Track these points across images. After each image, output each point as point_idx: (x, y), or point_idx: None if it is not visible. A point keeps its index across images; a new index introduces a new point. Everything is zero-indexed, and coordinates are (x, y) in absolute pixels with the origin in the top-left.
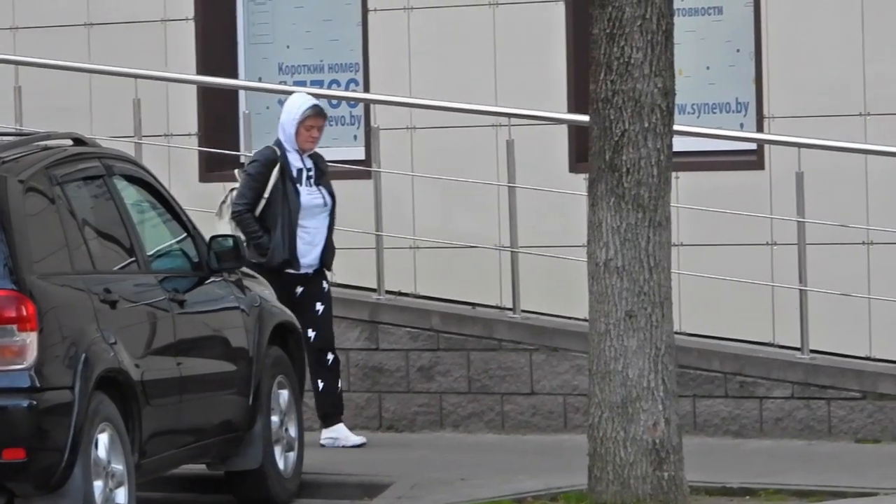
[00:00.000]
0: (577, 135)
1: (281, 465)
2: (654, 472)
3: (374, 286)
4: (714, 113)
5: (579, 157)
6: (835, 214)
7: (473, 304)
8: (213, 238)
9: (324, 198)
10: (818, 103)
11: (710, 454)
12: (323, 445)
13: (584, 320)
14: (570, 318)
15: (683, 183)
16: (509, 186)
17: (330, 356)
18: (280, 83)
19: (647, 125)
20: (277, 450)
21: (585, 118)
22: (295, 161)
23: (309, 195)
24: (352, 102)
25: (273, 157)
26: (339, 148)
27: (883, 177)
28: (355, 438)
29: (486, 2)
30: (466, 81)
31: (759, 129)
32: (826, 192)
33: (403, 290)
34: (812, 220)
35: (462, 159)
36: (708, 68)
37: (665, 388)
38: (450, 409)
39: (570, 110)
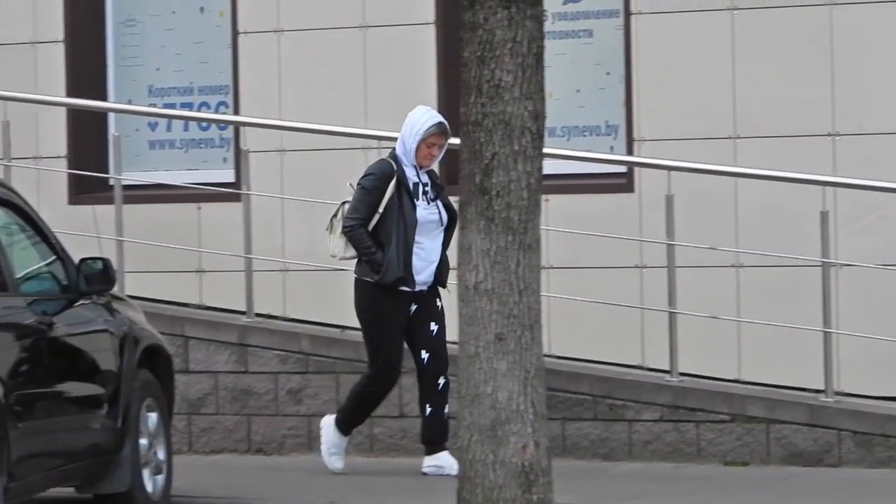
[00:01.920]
0: (448, 158)
1: (149, 487)
2: (524, 495)
3: (244, 309)
4: (584, 136)
5: (450, 179)
6: (704, 237)
7: (343, 327)
8: (83, 261)
9: (440, 214)
10: (688, 126)
11: (579, 477)
12: (425, 474)
13: (454, 343)
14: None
15: (553, 205)
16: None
17: (442, 380)
18: (150, 105)
19: (517, 148)
20: (146, 472)
21: (456, 141)
22: (412, 175)
23: (425, 211)
24: (222, 125)
25: (389, 171)
26: (208, 171)
27: (752, 200)
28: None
29: (357, 24)
30: (336, 104)
31: (629, 151)
32: (696, 214)
33: (273, 313)
34: (682, 243)
35: (332, 182)
36: (578, 91)
37: (534, 410)
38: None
39: None
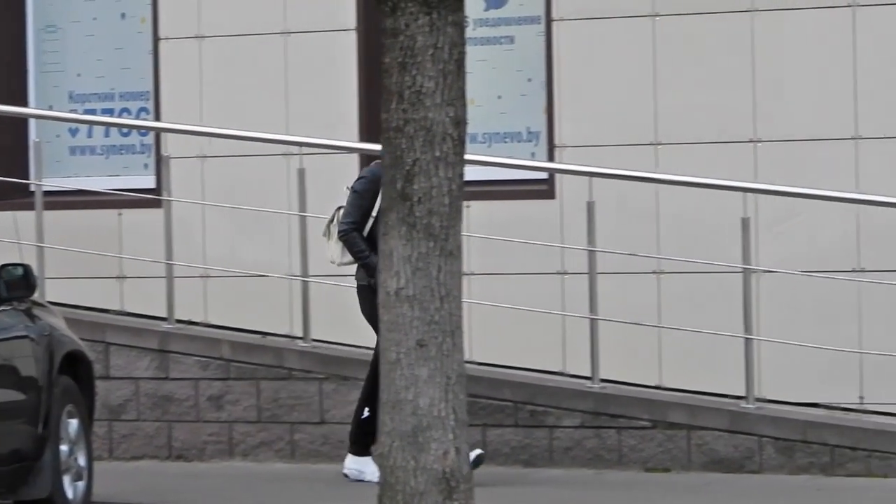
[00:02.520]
0: (368, 164)
1: (70, 494)
2: (445, 502)
3: (165, 315)
4: (505, 142)
5: None
6: (626, 243)
7: (264, 333)
8: (3, 267)
9: None
10: (609, 132)
11: (500, 484)
12: (346, 476)
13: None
14: (360, 346)
15: (475, 212)
16: (300, 215)
17: None
18: (71, 111)
19: (438, 154)
20: (66, 479)
21: (377, 147)
22: None
23: None
24: (142, 131)
25: (381, 174)
26: (129, 177)
27: (673, 206)
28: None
29: (278, 31)
30: (258, 110)
31: (551, 158)
32: (617, 221)
33: (194, 319)
34: (603, 250)
35: (253, 188)
36: (499, 98)
37: (456, 417)
38: (239, 439)
39: (362, 139)
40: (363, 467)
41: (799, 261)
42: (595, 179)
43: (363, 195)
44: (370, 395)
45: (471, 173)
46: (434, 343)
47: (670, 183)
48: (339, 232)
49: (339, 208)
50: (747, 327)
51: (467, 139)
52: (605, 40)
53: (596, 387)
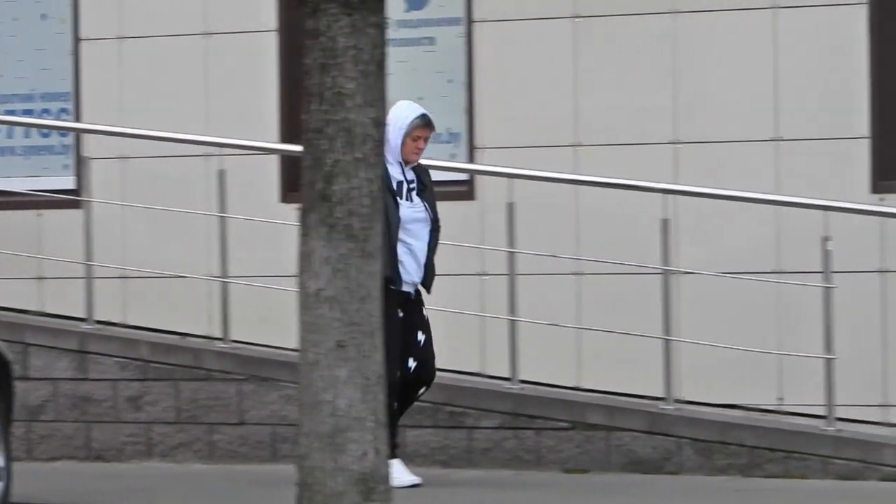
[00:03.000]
0: (289, 165)
1: None
2: (363, 503)
3: (84, 316)
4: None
5: (290, 187)
6: (546, 245)
7: (183, 334)
8: None
9: (426, 212)
10: (530, 134)
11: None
12: None
13: (295, 350)
14: (280, 348)
15: None
16: (220, 216)
17: (422, 390)
18: None
19: (358, 155)
20: None
21: (297, 148)
22: (396, 173)
23: (410, 209)
24: (63, 132)
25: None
26: (49, 177)
27: (594, 207)
28: (409, 479)
29: (199, 31)
30: (178, 111)
31: (471, 159)
32: (537, 222)
33: (113, 320)
34: (523, 251)
35: (174, 189)
36: (420, 99)
37: (375, 418)
38: (158, 439)
39: (282, 140)
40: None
41: (718, 262)
42: (515, 181)
43: None
44: (403, 397)
45: None
46: (353, 344)
47: (590, 184)
48: None
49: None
50: (667, 329)
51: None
52: (526, 42)
53: (515, 388)
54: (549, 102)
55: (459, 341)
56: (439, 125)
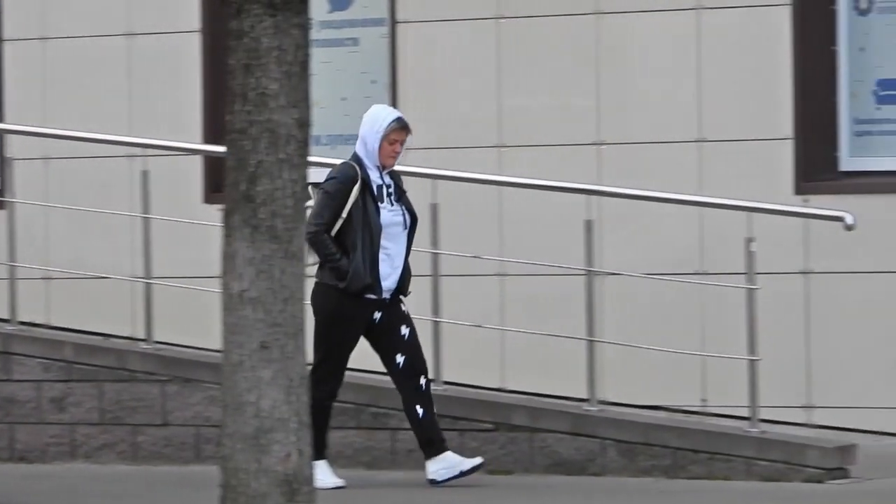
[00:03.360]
0: (212, 166)
1: None
2: None
3: (7, 316)
4: (348, 144)
5: (214, 187)
6: (469, 246)
7: (107, 335)
8: None
9: (404, 216)
10: (453, 135)
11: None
12: (434, 481)
13: (218, 351)
14: (204, 349)
15: None
16: (143, 217)
17: (423, 380)
18: None
19: (282, 156)
20: None
21: (221, 149)
22: (375, 178)
23: (390, 213)
24: None
25: (353, 174)
26: None
27: (517, 208)
28: (470, 461)
29: (122, 32)
30: (102, 111)
31: None
32: (461, 223)
33: (36, 321)
34: (447, 252)
35: (97, 190)
36: (343, 100)
37: (298, 419)
38: (82, 440)
39: (206, 141)
40: (446, 464)
41: (642, 263)
42: (439, 182)
43: (334, 195)
44: (411, 395)
45: (315, 175)
46: (277, 345)
47: (514, 185)
48: (308, 233)
49: (306, 209)
50: (590, 330)
51: (311, 141)
52: (450, 43)
53: (439, 389)
54: (472, 103)
55: None
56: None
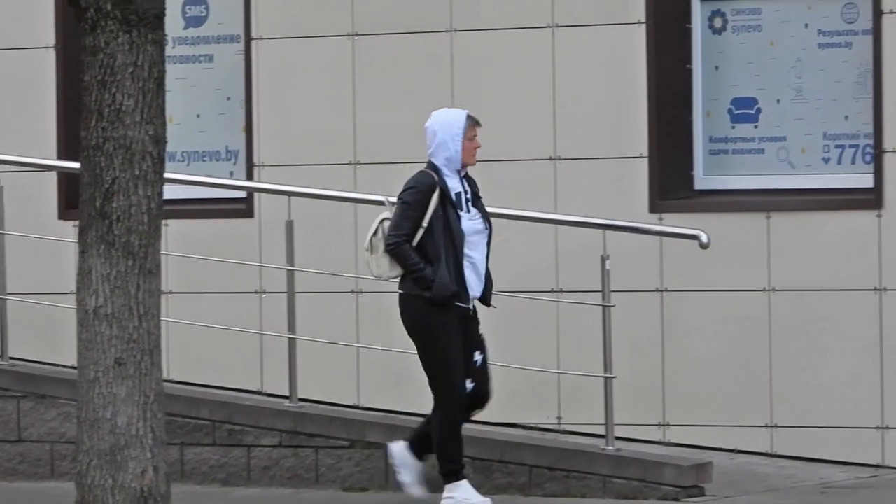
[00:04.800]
0: (68, 182)
1: None
2: None
3: None
4: (204, 161)
5: (69, 204)
6: (324, 263)
7: None
8: None
9: (483, 221)
10: (309, 151)
11: (197, 502)
12: None
13: (74, 368)
14: (59, 365)
15: (173, 230)
16: None
17: (477, 412)
18: None
19: (137, 173)
20: None
21: (76, 165)
22: (454, 185)
23: (471, 221)
24: None
25: (431, 183)
26: None
27: (370, 225)
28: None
29: None
30: None
31: (249, 176)
32: (316, 240)
33: None
34: (302, 269)
35: None
36: (198, 116)
37: (154, 435)
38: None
39: (61, 157)
40: (462, 492)
41: (498, 281)
42: (294, 198)
43: (413, 206)
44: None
45: (170, 192)
46: (132, 361)
47: (368, 202)
48: (390, 244)
49: (384, 220)
50: None
51: (167, 157)
52: (305, 59)
53: (294, 406)
54: (328, 120)
55: (239, 359)
56: (217, 143)
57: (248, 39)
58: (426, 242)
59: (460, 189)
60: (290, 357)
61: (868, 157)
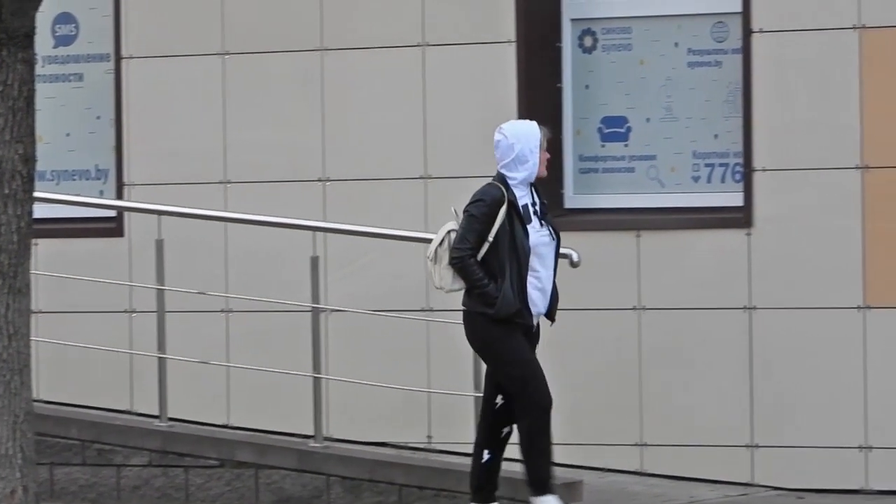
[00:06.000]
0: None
1: None
2: None
3: None
4: (74, 180)
5: None
6: (195, 282)
7: None
8: None
9: (550, 234)
10: (180, 171)
11: None
12: None
13: None
14: None
15: (42, 250)
16: None
17: (508, 428)
18: None
19: (7, 192)
20: None
21: None
22: (523, 197)
23: (538, 234)
24: None
25: (500, 196)
26: None
27: (243, 244)
28: None
29: None
30: None
31: (119, 196)
32: (186, 259)
33: None
34: (172, 288)
35: None
36: (68, 135)
37: (23, 455)
38: None
39: None
40: None
41: (369, 300)
42: (164, 217)
43: (481, 219)
44: (489, 437)
45: (39, 211)
46: (2, 381)
47: (239, 221)
48: (454, 258)
49: (451, 232)
50: (316, 366)
51: (36, 176)
52: (175, 78)
53: (164, 426)
54: (198, 139)
55: (108, 379)
56: (87, 162)
57: (119, 58)
58: (490, 257)
59: (528, 201)
60: (160, 376)
61: (738, 176)
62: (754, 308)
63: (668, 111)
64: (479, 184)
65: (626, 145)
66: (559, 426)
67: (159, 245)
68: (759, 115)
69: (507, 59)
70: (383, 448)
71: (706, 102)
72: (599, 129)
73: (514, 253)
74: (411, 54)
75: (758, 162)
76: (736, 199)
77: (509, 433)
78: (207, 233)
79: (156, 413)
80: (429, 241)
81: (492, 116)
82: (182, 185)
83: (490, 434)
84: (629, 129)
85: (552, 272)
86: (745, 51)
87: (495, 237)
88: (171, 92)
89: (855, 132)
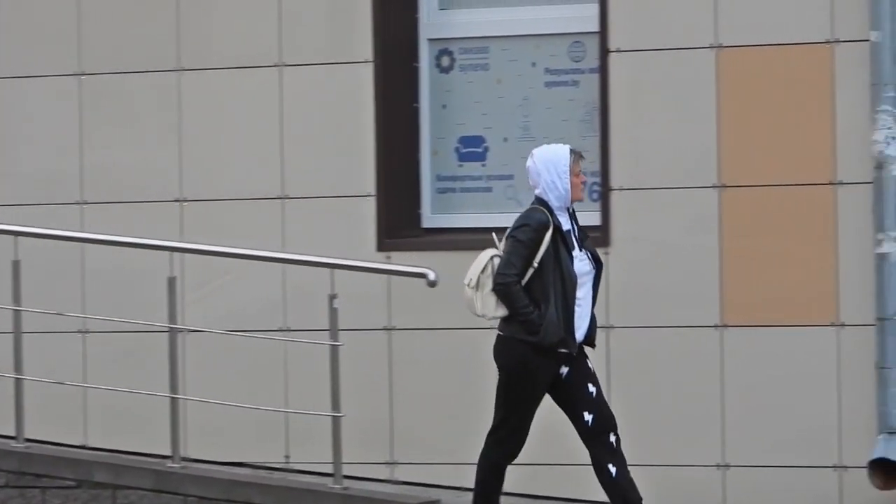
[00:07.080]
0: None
1: None
2: None
3: None
4: None
5: None
6: (52, 303)
7: None
8: None
9: (591, 262)
10: (35, 191)
11: None
12: None
13: None
14: None
15: None
16: None
17: (612, 437)
18: None
19: None
20: None
21: None
22: (565, 222)
23: (581, 261)
24: None
25: (546, 221)
26: None
27: (101, 265)
28: None
29: None
30: None
31: None
32: (43, 280)
33: None
34: (28, 309)
35: None
36: None
37: None
38: None
39: None
40: None
41: (226, 320)
42: (21, 238)
43: (527, 244)
44: (603, 452)
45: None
46: None
47: (96, 242)
48: (499, 284)
49: (494, 257)
50: (173, 387)
51: None
52: (32, 99)
53: (20, 446)
54: (55, 160)
55: None
56: None
57: None
58: (534, 283)
59: (570, 226)
60: (17, 397)
61: (595, 195)
62: (612, 327)
63: (525, 131)
64: (335, 204)
65: (483, 165)
66: (418, 445)
67: (16, 266)
68: (616, 134)
69: (364, 79)
70: (240, 468)
71: (563, 122)
72: (457, 149)
73: (560, 279)
74: (269, 74)
75: (615, 181)
76: (594, 219)
77: (618, 439)
78: (65, 253)
79: (13, 434)
80: (286, 261)
81: (349, 136)
82: (39, 205)
83: (599, 449)
84: (486, 149)
85: (592, 298)
86: (603, 70)
87: (540, 263)
88: (27, 112)
89: (712, 151)
